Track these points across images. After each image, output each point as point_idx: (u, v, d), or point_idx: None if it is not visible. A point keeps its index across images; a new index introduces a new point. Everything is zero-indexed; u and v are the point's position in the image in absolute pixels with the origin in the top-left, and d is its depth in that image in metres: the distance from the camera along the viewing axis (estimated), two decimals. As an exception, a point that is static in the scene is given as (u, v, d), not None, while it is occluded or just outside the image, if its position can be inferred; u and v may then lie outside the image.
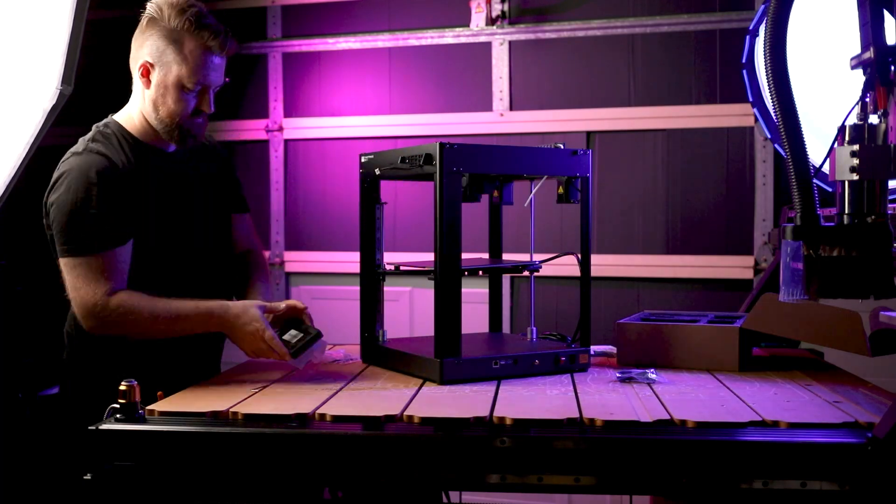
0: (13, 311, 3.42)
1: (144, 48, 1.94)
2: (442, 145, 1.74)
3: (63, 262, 1.87)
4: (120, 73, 4.30)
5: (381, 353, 1.99)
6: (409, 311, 3.78)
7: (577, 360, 1.90)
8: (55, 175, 1.96)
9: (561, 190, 1.98)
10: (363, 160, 2.06)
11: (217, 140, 2.29)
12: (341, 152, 3.92)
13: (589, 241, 1.95)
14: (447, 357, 1.75)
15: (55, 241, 1.90)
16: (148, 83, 1.96)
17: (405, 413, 1.48)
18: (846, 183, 1.33)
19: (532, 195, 2.01)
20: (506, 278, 3.33)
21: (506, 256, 2.30)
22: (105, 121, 2.07)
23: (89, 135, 2.02)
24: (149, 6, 1.95)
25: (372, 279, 2.05)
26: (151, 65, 1.94)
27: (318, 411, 1.49)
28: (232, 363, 2.10)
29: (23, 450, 3.16)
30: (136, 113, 2.03)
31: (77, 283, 1.85)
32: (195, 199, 2.08)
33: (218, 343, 2.14)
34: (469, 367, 1.77)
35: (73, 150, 2.00)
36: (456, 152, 1.75)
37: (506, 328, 3.75)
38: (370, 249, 2.05)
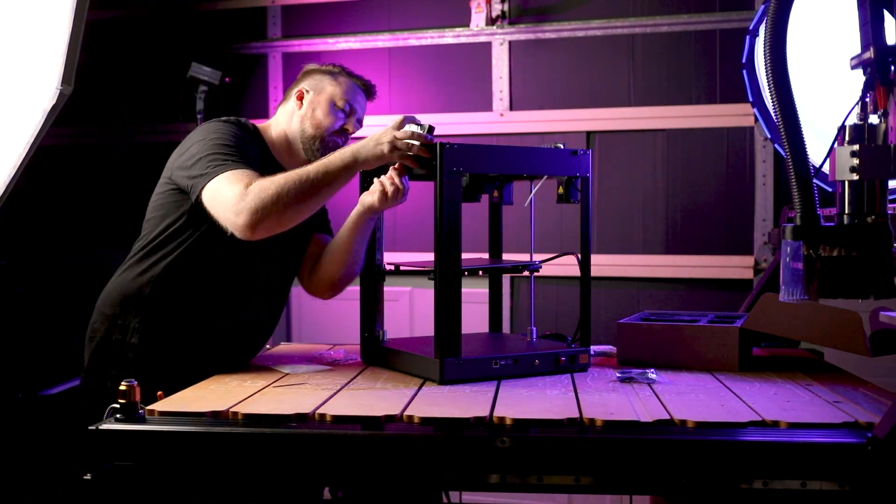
0: (13, 311, 3.42)
1: (302, 83, 2.15)
2: (442, 145, 1.74)
3: (207, 190, 1.84)
4: (120, 73, 4.30)
5: (381, 353, 1.99)
6: (409, 311, 3.78)
7: (577, 360, 1.89)
8: (192, 134, 2.00)
9: (561, 190, 1.98)
10: None
11: None
12: (341, 152, 3.92)
13: (589, 241, 1.95)
14: (447, 357, 1.75)
15: (195, 175, 1.87)
16: (300, 105, 2.12)
17: (405, 413, 1.48)
18: (846, 183, 1.33)
19: (532, 195, 2.01)
20: (506, 278, 3.33)
21: (506, 256, 2.30)
22: (244, 120, 2.12)
23: (233, 119, 2.07)
24: (307, 66, 2.21)
25: (372, 279, 2.05)
26: (307, 91, 2.12)
27: (318, 411, 1.49)
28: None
29: (23, 450, 3.16)
30: (276, 128, 2.15)
31: (220, 194, 1.81)
32: None
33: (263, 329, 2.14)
34: (469, 367, 1.77)
35: (213, 120, 2.05)
36: (456, 152, 1.75)
37: (506, 328, 3.75)
38: (370, 249, 2.06)
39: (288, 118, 2.13)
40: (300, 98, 2.12)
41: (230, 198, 1.79)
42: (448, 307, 1.76)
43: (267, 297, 2.09)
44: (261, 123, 2.16)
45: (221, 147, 1.89)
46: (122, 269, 2.06)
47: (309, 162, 1.90)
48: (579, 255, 1.94)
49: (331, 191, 1.84)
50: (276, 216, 1.78)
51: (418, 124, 1.84)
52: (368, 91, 2.19)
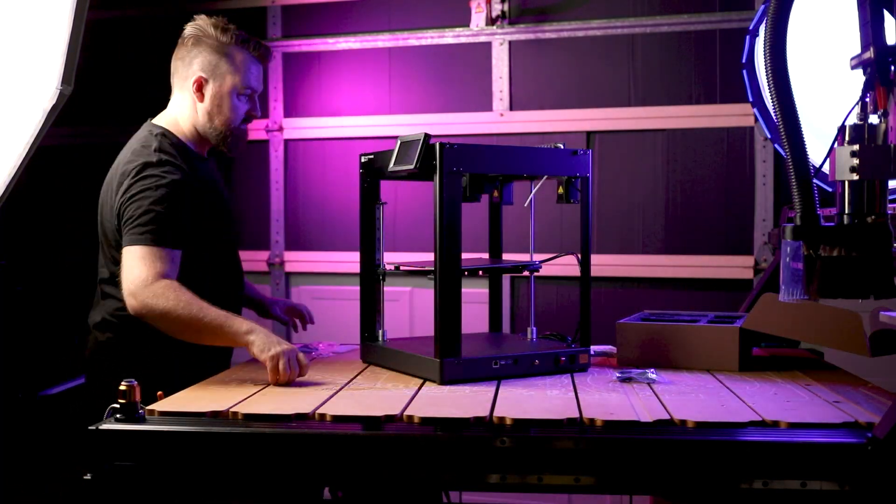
0: (13, 311, 3.42)
1: (195, 64, 2.10)
2: (442, 145, 1.74)
3: (131, 250, 1.93)
4: (120, 73, 4.30)
5: (381, 353, 1.99)
6: (409, 311, 3.78)
7: (577, 361, 1.90)
8: (128, 172, 2.03)
9: (561, 190, 1.98)
10: (363, 160, 2.06)
11: None
12: (341, 152, 3.92)
13: (589, 241, 1.95)
14: (447, 357, 1.75)
15: (127, 229, 1.95)
16: (202, 97, 2.11)
17: (405, 413, 1.48)
18: (846, 183, 1.33)
19: (532, 195, 2.01)
20: (506, 278, 3.34)
21: (506, 256, 2.30)
22: (155, 128, 2.16)
23: (153, 141, 2.09)
24: (189, 27, 2.12)
25: (372, 279, 2.05)
26: (205, 79, 2.10)
27: (318, 411, 1.49)
28: (231, 363, 2.10)
29: (23, 450, 3.16)
30: (184, 123, 2.15)
31: (138, 265, 1.91)
32: (225, 199, 2.23)
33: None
34: (469, 367, 1.77)
35: (144, 153, 2.06)
36: (456, 152, 1.75)
37: (506, 328, 3.75)
38: (370, 249, 2.06)
39: (191, 111, 2.13)
40: (199, 89, 2.10)
41: (140, 276, 1.89)
42: (448, 307, 1.76)
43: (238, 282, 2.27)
44: (164, 118, 2.18)
45: (160, 213, 1.94)
46: (105, 294, 2.09)
47: (221, 147, 2.12)
48: (579, 255, 1.94)
49: (212, 341, 1.91)
50: (158, 323, 1.88)
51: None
52: (264, 58, 2.16)
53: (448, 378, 1.74)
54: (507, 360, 1.82)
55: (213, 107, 2.10)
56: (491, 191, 2.19)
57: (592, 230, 3.61)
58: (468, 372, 1.77)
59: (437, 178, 1.74)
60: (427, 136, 1.77)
